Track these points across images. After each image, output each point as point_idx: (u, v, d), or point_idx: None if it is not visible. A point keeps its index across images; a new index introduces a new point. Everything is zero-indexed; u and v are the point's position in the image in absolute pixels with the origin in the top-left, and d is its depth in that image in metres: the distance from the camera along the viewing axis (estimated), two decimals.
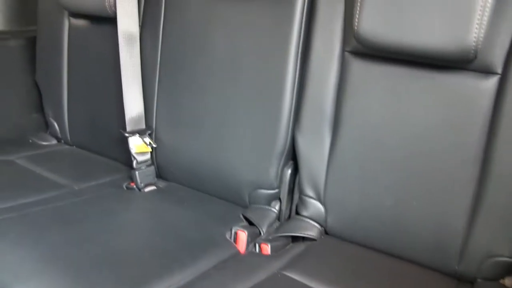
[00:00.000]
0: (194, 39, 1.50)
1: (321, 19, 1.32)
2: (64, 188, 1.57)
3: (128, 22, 1.57)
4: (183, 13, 1.52)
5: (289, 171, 1.45)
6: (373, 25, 1.15)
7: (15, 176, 1.66)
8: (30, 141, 1.98)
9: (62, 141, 1.99)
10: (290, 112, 1.38)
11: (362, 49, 1.24)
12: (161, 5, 1.57)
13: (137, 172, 1.58)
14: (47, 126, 2.05)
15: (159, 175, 1.67)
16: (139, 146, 1.58)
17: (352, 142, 1.31)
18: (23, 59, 2.02)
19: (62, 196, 1.51)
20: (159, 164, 1.65)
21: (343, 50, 1.30)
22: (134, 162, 1.59)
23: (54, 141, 2.00)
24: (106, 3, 1.60)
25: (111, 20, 1.65)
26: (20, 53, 2.01)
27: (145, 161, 1.61)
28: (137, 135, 1.57)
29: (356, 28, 1.18)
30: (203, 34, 1.48)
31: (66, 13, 1.85)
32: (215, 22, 1.46)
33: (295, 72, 1.36)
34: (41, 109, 2.06)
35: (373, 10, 1.15)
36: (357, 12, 1.17)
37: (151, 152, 1.63)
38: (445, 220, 1.22)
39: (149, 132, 1.61)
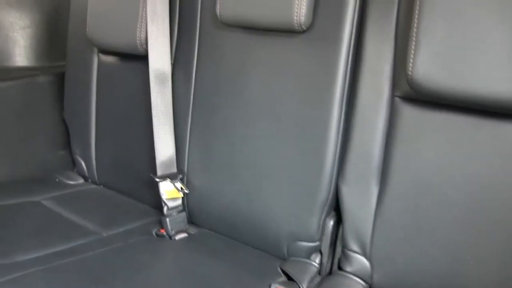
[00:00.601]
0: (229, 80, 1.42)
1: (368, 60, 1.23)
2: (92, 235, 1.49)
3: (160, 61, 1.50)
4: (217, 52, 1.45)
5: (331, 223, 1.35)
6: (431, 70, 1.05)
7: (41, 220, 1.58)
8: (57, 179, 1.92)
9: (89, 180, 1.92)
10: (334, 160, 1.28)
11: (414, 95, 1.14)
12: (195, 43, 1.50)
13: (167, 219, 1.49)
14: (73, 164, 1.99)
15: (190, 220, 1.59)
16: (170, 192, 1.49)
17: (403, 194, 1.20)
18: (51, 95, 1.97)
19: (90, 245, 1.42)
20: (191, 210, 1.57)
21: (392, 94, 1.20)
22: (165, 208, 1.50)
23: (81, 180, 1.93)
24: (137, 41, 1.53)
25: (142, 58, 1.59)
26: (49, 89, 1.96)
27: (176, 207, 1.53)
28: (168, 180, 1.49)
29: (410, 73, 1.08)
30: (238, 75, 1.40)
31: (95, 49, 1.80)
32: (251, 63, 1.38)
33: (340, 117, 1.26)
34: (68, 146, 2.00)
35: (430, 53, 1.05)
36: (411, 55, 1.08)
37: (182, 197, 1.54)
38: (509, 284, 1.10)
39: (180, 176, 1.52)
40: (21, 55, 2.00)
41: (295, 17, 1.24)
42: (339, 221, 1.35)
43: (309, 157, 1.30)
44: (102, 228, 1.53)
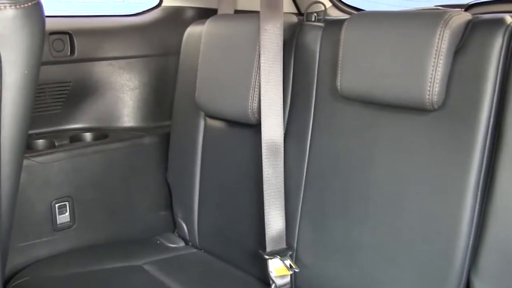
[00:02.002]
0: (348, 157, 1.34)
1: (510, 144, 1.10)
2: None
3: (272, 131, 1.44)
4: (335, 126, 1.37)
5: None
6: None
7: None
8: (158, 242, 1.89)
9: (190, 243, 1.88)
10: (466, 252, 1.16)
11: None
12: (309, 115, 1.43)
13: None
14: (174, 225, 1.96)
15: None
16: (279, 270, 1.42)
17: None
18: (155, 156, 1.96)
19: None
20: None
21: None
22: (273, 286, 1.43)
23: (182, 243, 1.89)
24: (249, 110, 1.49)
25: (251, 126, 1.54)
26: (154, 150, 1.96)
27: (284, 284, 1.45)
28: (278, 257, 1.41)
29: None
30: (358, 153, 1.32)
31: (202, 113, 1.78)
32: (373, 140, 1.29)
33: (474, 206, 1.14)
34: (169, 208, 1.98)
35: None
36: None
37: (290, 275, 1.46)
38: None
39: (290, 253, 1.44)
40: (128, 115, 2.02)
41: (427, 96, 1.14)
42: None
43: (437, 245, 1.19)
44: None
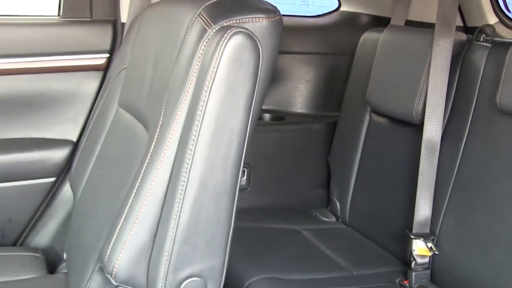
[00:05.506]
0: (499, 163, 1.53)
1: None
2: (344, 271, 1.73)
3: (432, 132, 1.67)
4: (491, 134, 1.57)
5: None
6: None
7: (302, 247, 1.89)
8: (313, 214, 2.20)
9: (340, 220, 2.16)
10: None
11: None
12: (467, 122, 1.64)
13: (413, 273, 1.66)
14: (328, 202, 2.26)
15: (432, 279, 1.72)
16: (421, 249, 1.66)
17: None
18: (321, 141, 2.27)
19: (342, 280, 1.67)
20: (435, 270, 1.69)
21: None
22: (413, 263, 1.67)
23: (333, 219, 2.17)
24: (414, 111, 1.73)
25: (412, 125, 1.78)
26: (320, 135, 2.27)
27: (423, 264, 1.68)
28: (422, 239, 1.65)
29: None
30: (510, 160, 1.51)
31: (368, 108, 2.04)
32: None
33: None
34: (326, 187, 2.27)
35: None
36: None
37: (429, 256, 1.69)
38: None
39: (432, 237, 1.67)
40: (302, 103, 2.35)
41: None
42: None
43: None
44: (352, 266, 1.76)
